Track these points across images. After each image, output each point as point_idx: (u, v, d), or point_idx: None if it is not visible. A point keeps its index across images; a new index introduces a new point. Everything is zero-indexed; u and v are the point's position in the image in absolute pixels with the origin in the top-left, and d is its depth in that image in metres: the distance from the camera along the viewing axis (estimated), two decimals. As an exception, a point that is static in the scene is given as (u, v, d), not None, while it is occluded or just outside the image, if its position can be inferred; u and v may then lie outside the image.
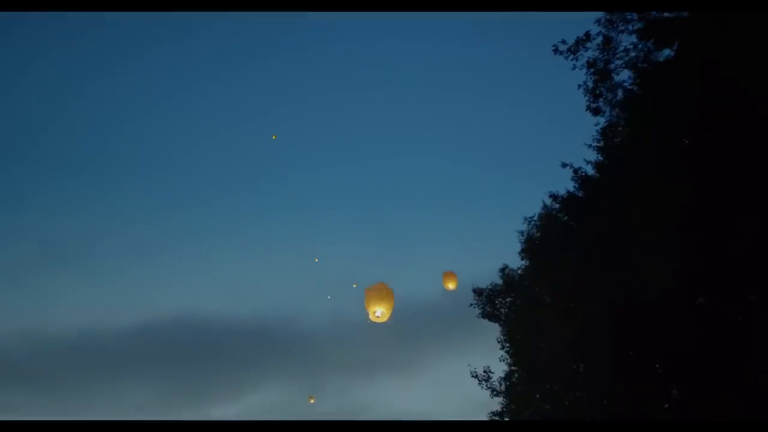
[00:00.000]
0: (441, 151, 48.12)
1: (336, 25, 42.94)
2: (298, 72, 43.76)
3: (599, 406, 15.24)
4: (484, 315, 21.52)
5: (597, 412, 15.42)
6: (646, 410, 14.24)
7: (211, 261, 45.53)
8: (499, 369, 21.26)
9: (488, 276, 22.20)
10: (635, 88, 12.22)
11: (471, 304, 21.80)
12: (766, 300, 12.41)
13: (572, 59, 13.08)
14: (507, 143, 47.84)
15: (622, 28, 11.76)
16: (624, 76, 12.32)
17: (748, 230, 12.29)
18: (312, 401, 27.90)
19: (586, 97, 12.70)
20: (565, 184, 18.21)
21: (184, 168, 45.65)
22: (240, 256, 44.96)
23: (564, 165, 17.22)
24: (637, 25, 11.74)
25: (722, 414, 12.34)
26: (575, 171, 17.00)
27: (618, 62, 12.14)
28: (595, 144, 14.16)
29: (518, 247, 20.60)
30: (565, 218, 17.44)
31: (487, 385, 20.89)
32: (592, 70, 12.52)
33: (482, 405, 21.86)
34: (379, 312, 10.35)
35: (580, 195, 17.14)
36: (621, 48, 11.98)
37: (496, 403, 21.11)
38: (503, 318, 21.05)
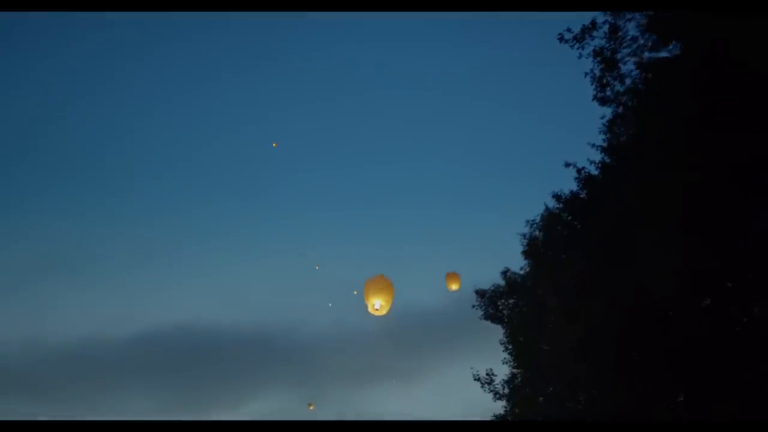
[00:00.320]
0: (441, 155, 48.06)
1: (337, 28, 42.99)
2: (298, 75, 43.80)
3: (602, 407, 15.09)
4: (487, 317, 21.34)
5: (600, 413, 15.26)
6: (649, 411, 14.08)
7: (212, 268, 45.37)
8: (502, 372, 21.14)
9: (490, 280, 22.11)
10: (640, 85, 12.07)
11: (473, 306, 21.63)
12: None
13: (578, 48, 12.86)
14: (507, 146, 47.77)
15: (630, 16, 11.54)
16: (632, 65, 12.12)
17: (755, 229, 12.16)
18: (311, 408, 27.76)
19: (593, 86, 12.46)
20: (567, 186, 18.08)
21: (184, 174, 45.58)
22: (241, 262, 44.87)
23: (567, 165, 17.07)
24: (642, 20, 11.59)
25: (727, 414, 12.19)
26: (579, 171, 16.87)
27: (625, 51, 11.92)
28: (601, 134, 13.91)
29: (520, 250, 20.49)
30: (569, 218, 17.30)
31: (489, 388, 20.72)
32: (598, 59, 12.32)
33: (485, 411, 21.63)
34: (378, 304, 10.19)
35: (584, 195, 17.01)
36: (629, 36, 11.76)
37: (499, 407, 20.99)
38: (506, 320, 20.89)
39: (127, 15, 35.74)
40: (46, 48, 42.04)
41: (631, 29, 11.84)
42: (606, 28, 11.94)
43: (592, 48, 12.70)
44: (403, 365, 36.42)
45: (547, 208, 19.31)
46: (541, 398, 19.24)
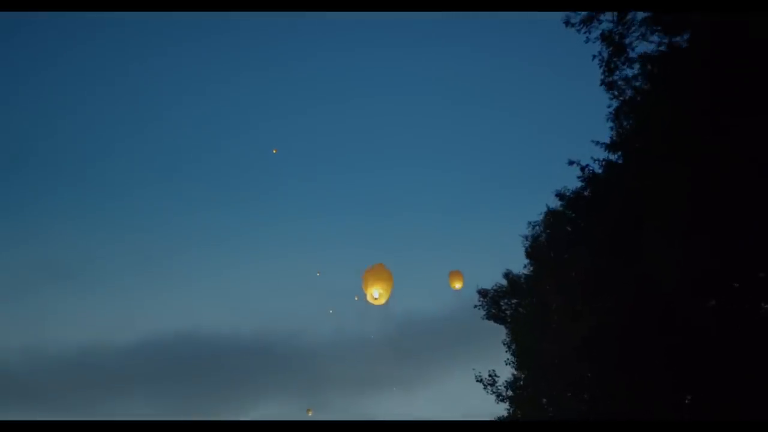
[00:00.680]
0: (442, 160, 47.91)
1: (341, 33, 43.04)
2: (300, 80, 43.73)
3: (604, 406, 14.94)
4: (489, 316, 21.19)
5: (602, 412, 15.13)
6: (653, 410, 13.94)
7: (213, 275, 45.26)
8: (504, 374, 20.99)
9: (492, 283, 22.03)
10: (648, 67, 11.91)
11: (475, 306, 21.46)
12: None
13: (585, 32, 12.52)
14: (507, 151, 47.59)
15: None
16: (641, 49, 11.92)
17: (755, 229, 12.07)
18: (310, 414, 27.60)
19: (601, 69, 12.18)
20: (569, 187, 18.01)
21: (185, 181, 45.39)
22: (241, 269, 44.56)
23: (571, 162, 16.95)
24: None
25: (730, 414, 12.08)
26: (582, 168, 16.80)
27: (634, 35, 11.73)
28: (608, 122, 13.69)
29: (522, 252, 20.41)
30: (572, 215, 17.20)
31: (492, 390, 20.55)
32: (606, 42, 12.02)
33: (487, 417, 21.48)
34: (377, 293, 10.07)
35: (587, 192, 16.94)
36: (638, 18, 11.53)
37: (502, 409, 20.79)
38: (509, 320, 20.75)
39: (127, 19, 35.84)
40: (45, 54, 42.00)
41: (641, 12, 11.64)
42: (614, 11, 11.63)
43: (599, 31, 12.42)
44: (404, 372, 36.19)
45: (549, 209, 19.26)
46: (544, 399, 19.08)
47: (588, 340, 15.10)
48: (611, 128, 13.79)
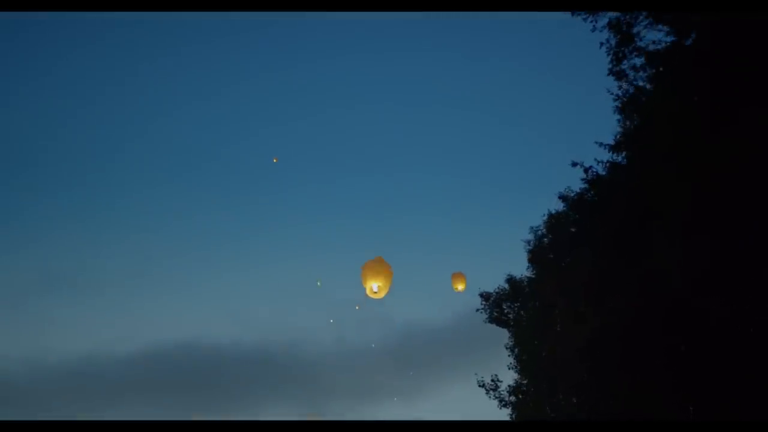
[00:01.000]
0: (443, 166, 47.73)
1: (338, 37, 43.13)
2: (299, 86, 43.70)
3: (605, 406, 14.81)
4: (492, 320, 21.04)
5: (603, 412, 15.01)
6: (656, 411, 13.81)
7: (214, 286, 44.92)
8: (507, 380, 20.80)
9: (495, 287, 21.93)
10: (650, 75, 11.84)
11: (478, 309, 21.26)
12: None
13: (591, 21, 12.13)
14: (508, 157, 47.40)
15: None
16: (650, 38, 11.70)
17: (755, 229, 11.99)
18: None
19: (609, 58, 11.90)
20: (573, 189, 17.99)
21: (186, 189, 45.25)
22: (242, 280, 44.26)
23: (574, 164, 16.88)
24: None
25: (731, 414, 11.97)
26: (586, 170, 16.76)
27: (642, 24, 11.53)
28: (615, 116, 13.51)
29: (524, 258, 20.34)
30: (576, 217, 17.14)
31: (494, 395, 20.36)
32: (614, 31, 11.71)
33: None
34: (376, 287, 9.97)
35: (591, 194, 16.90)
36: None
37: (504, 415, 20.56)
38: (511, 323, 20.62)
39: (125, 24, 35.93)
40: (44, 58, 41.94)
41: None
42: None
43: (606, 20, 12.05)
44: (405, 382, 35.96)
45: (550, 214, 19.23)
46: (547, 407, 18.92)
47: (592, 341, 14.99)
48: (618, 121, 13.61)
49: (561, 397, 17.54)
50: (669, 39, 11.67)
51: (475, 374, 20.78)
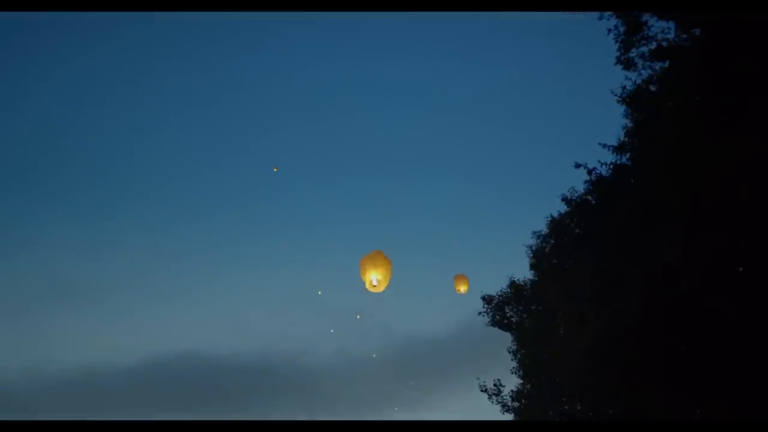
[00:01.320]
0: (444, 171, 47.57)
1: (339, 43, 43.20)
2: (303, 91, 43.72)
3: (607, 405, 14.65)
4: (494, 323, 20.82)
5: (604, 413, 14.84)
6: (656, 411, 13.64)
7: (214, 296, 44.81)
8: (510, 384, 20.58)
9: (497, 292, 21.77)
10: (654, 75, 11.69)
11: (480, 313, 21.03)
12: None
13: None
14: (508, 160, 47.23)
15: None
16: (659, 26, 11.49)
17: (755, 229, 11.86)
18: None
19: (617, 45, 11.71)
20: (576, 190, 17.86)
21: (187, 201, 45.24)
22: (243, 289, 44.08)
23: (578, 165, 16.81)
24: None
25: (731, 415, 11.79)
26: (589, 171, 16.66)
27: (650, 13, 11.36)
28: (622, 106, 13.27)
29: (527, 263, 20.16)
30: (579, 219, 17.00)
31: (497, 400, 20.14)
32: (622, 19, 11.51)
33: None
34: (376, 280, 9.80)
35: (594, 196, 16.78)
36: None
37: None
38: (514, 327, 20.42)
39: (125, 31, 36.01)
40: (43, 65, 41.92)
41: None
42: None
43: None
44: (406, 393, 35.75)
45: (552, 217, 19.07)
46: (551, 412, 18.69)
47: (597, 342, 14.82)
48: (623, 113, 13.41)
49: (564, 400, 17.31)
50: (674, 34, 11.56)
51: (477, 378, 20.58)
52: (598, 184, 16.70)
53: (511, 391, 20.03)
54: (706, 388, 12.63)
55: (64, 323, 41.10)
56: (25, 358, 41.58)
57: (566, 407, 17.37)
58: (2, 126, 41.37)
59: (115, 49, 40.95)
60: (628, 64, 11.88)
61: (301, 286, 39.58)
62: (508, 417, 20.20)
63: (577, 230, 17.04)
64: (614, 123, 15.79)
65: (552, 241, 19.35)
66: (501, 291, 20.92)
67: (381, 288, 9.75)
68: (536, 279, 19.66)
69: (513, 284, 21.13)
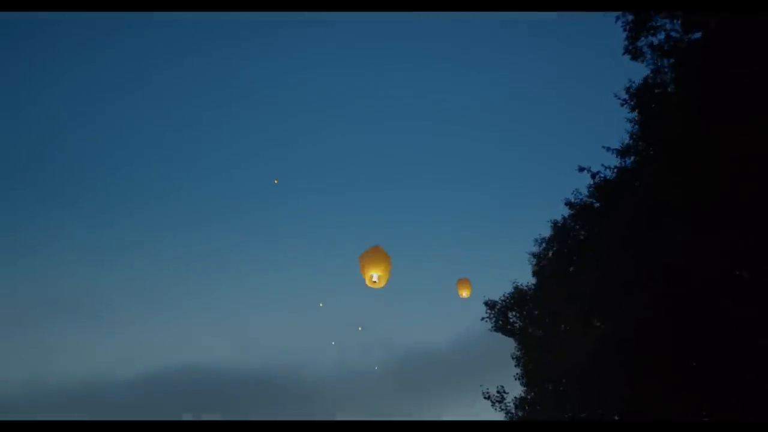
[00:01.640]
0: (446, 179, 47.45)
1: (341, 52, 43.19)
2: (303, 97, 43.71)
3: (612, 402, 14.48)
4: (497, 328, 20.68)
5: (605, 414, 14.68)
6: (657, 411, 13.48)
7: (216, 309, 44.58)
8: (513, 392, 20.34)
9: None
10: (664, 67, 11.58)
11: (482, 318, 20.79)
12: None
13: None
14: (509, 170, 47.13)
15: None
16: (666, 19, 11.36)
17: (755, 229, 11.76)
18: None
19: (625, 35, 11.49)
20: (581, 192, 17.81)
21: (186, 210, 45.08)
22: (243, 301, 43.85)
23: (581, 169, 16.78)
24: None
25: (731, 415, 11.65)
26: (593, 175, 16.62)
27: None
28: (628, 103, 13.14)
29: (528, 270, 20.05)
30: (583, 222, 16.91)
31: (500, 407, 19.90)
32: (630, 11, 11.29)
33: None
34: (376, 276, 9.69)
35: (598, 199, 16.72)
36: None
37: (510, 429, 20.07)
38: (517, 332, 20.22)
39: (125, 38, 35.99)
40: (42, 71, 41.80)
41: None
42: None
43: None
44: (408, 405, 35.46)
45: (556, 222, 18.98)
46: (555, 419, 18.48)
47: (602, 345, 14.68)
48: (631, 107, 13.27)
49: (568, 407, 17.10)
50: (679, 34, 11.53)
51: (480, 386, 20.35)
52: (602, 187, 16.64)
53: (515, 398, 19.79)
54: (714, 390, 12.46)
55: (64, 335, 40.83)
56: (25, 371, 41.25)
57: (570, 414, 17.13)
58: (2, 133, 41.30)
59: (112, 59, 40.89)
60: (636, 54, 11.73)
61: (302, 298, 39.38)
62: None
63: (581, 234, 16.95)
64: (617, 127, 15.74)
65: (555, 246, 19.24)
66: (504, 296, 20.76)
67: (381, 284, 9.64)
68: (541, 279, 19.50)
69: (516, 289, 20.99)
